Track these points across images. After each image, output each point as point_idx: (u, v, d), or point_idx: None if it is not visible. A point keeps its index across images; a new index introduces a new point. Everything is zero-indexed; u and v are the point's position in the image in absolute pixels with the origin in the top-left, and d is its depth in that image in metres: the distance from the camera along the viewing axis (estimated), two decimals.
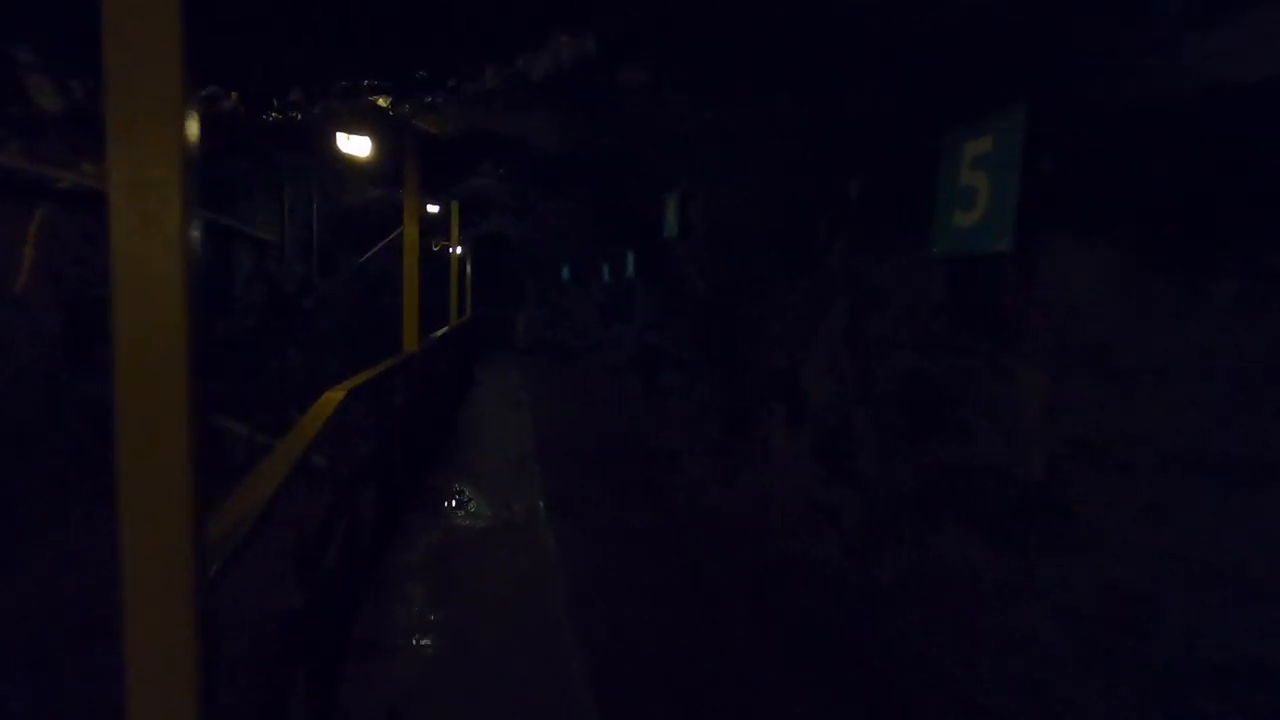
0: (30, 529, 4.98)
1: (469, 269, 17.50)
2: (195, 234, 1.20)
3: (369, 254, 10.67)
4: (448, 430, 8.56)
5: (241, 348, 9.02)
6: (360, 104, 4.18)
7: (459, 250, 14.34)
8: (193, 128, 1.17)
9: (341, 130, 4.70)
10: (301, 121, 4.45)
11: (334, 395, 3.93)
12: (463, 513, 5.67)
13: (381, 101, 4.26)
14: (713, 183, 5.37)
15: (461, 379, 12.21)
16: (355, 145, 4.99)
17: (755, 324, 5.38)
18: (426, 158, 6.76)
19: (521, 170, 8.13)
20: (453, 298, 12.29)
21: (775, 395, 4.86)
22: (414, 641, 3.69)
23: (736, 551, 4.72)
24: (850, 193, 4.00)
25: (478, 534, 5.24)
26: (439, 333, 9.51)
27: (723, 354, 6.48)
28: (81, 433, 5.98)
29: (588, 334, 15.97)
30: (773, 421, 4.91)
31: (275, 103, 4.09)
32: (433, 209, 10.41)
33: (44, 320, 5.56)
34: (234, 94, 3.96)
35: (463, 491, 6.26)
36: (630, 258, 10.80)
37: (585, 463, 7.36)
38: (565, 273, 18.02)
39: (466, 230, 14.77)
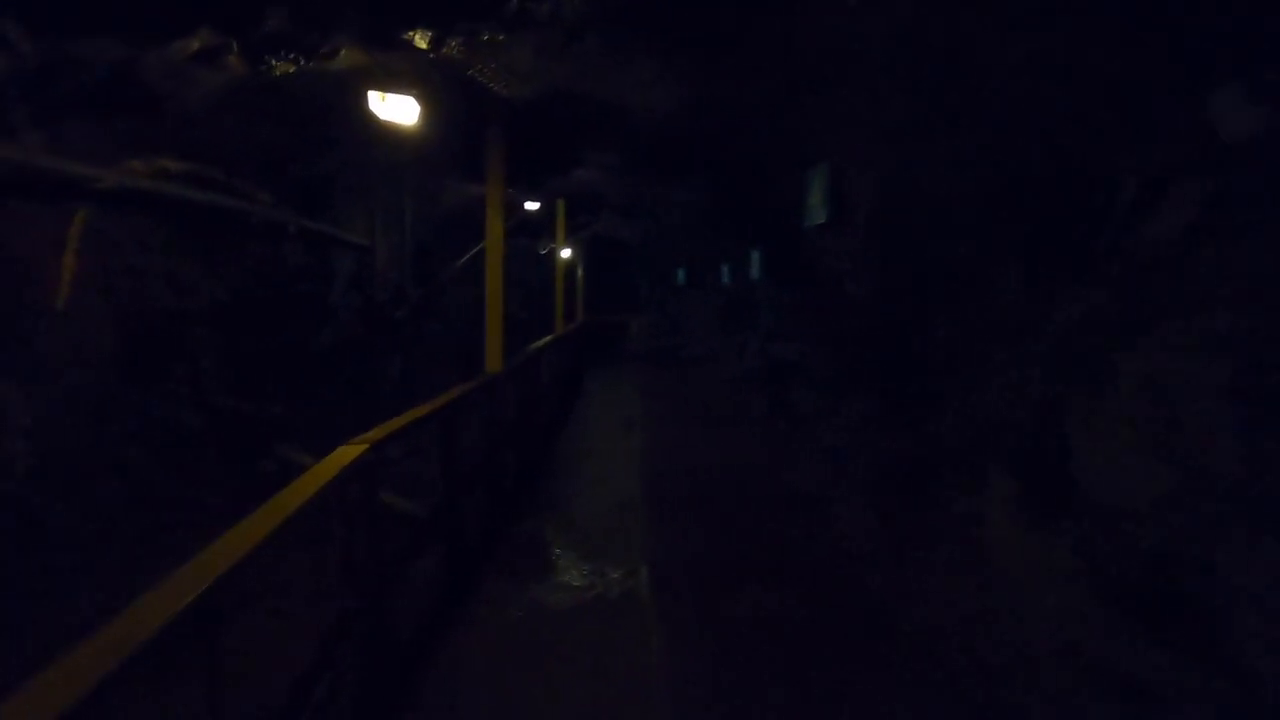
0: (58, 584, 4.29)
1: (580, 273, 16.64)
2: None
3: (465, 258, 9.90)
4: (545, 458, 7.46)
5: (336, 360, 8.42)
6: (391, 50, 3.07)
7: (567, 253, 13.44)
8: None
9: (378, 88, 3.65)
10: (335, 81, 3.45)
11: (348, 451, 2.80)
12: (545, 584, 4.44)
13: (419, 40, 3.14)
14: (888, 147, 3.82)
15: (567, 392, 11.21)
16: (397, 109, 3.90)
17: (958, 344, 3.75)
18: (514, 138, 5.65)
19: (630, 154, 6.93)
20: (558, 304, 11.32)
21: (997, 456, 3.24)
22: None
23: (936, 701, 3.14)
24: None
25: (562, 618, 3.98)
26: (539, 344, 8.47)
27: (888, 377, 4.86)
28: (135, 464, 5.35)
29: (705, 342, 14.56)
30: (990, 497, 3.28)
31: (281, 52, 3.10)
32: (532, 206, 9.46)
33: (95, 337, 4.93)
34: (235, 44, 3.03)
35: (551, 548, 5.05)
36: (755, 256, 9.30)
37: (702, 504, 5.96)
38: (681, 275, 16.74)
39: (575, 232, 13.85)
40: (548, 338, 9.58)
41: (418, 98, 3.80)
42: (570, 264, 14.76)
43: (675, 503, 6.02)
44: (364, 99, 4.27)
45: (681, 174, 8.10)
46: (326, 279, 8.41)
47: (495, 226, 5.62)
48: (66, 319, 4.72)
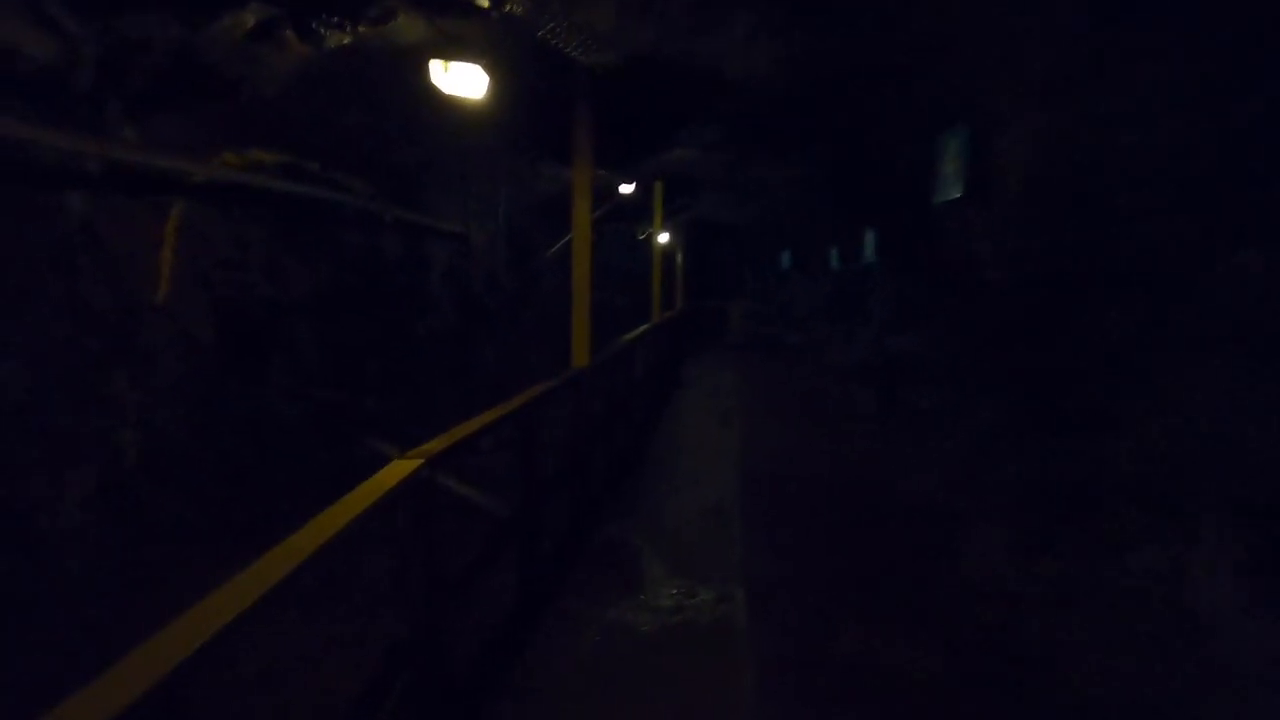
0: (160, 575, 4.37)
1: (679, 259, 16.15)
2: None
3: (559, 244, 9.66)
4: (636, 455, 7.09)
5: (432, 351, 8.42)
6: (448, 10, 2.70)
7: (665, 238, 12.98)
8: None
9: (441, 57, 3.32)
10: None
11: (400, 467, 2.49)
12: (628, 603, 4.04)
13: None
14: (1052, 99, 3.07)
15: (663, 383, 10.81)
16: (462, 80, 3.55)
17: (1149, 346, 2.96)
18: (602, 114, 5.23)
19: (730, 129, 6.35)
20: (655, 292, 10.90)
21: (1211, 498, 2.47)
22: None
23: None
24: None
25: (644, 646, 3.57)
26: (633, 334, 8.09)
27: (1035, 380, 4.06)
28: (236, 453, 5.43)
29: (810, 330, 13.70)
30: (1199, 551, 2.52)
31: (325, 16, 2.83)
32: (627, 189, 9.05)
33: (195, 332, 5.00)
34: (282, 12, 2.78)
35: (637, 559, 4.65)
36: (869, 237, 8.45)
37: (807, 514, 5.37)
38: (785, 259, 15.87)
39: (673, 216, 13.36)
40: (643, 327, 9.19)
41: (488, 68, 3.46)
42: (668, 249, 14.29)
43: (776, 511, 5.46)
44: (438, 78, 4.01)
45: (787, 149, 7.42)
46: (422, 268, 8.40)
47: (583, 211, 5.24)
48: (167, 312, 4.79)
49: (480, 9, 3.03)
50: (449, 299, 8.71)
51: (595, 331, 7.72)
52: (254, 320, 5.61)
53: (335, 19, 3.14)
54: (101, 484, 4.48)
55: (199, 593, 1.58)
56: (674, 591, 4.18)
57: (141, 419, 4.78)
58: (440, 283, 8.55)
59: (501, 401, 3.86)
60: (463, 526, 5.68)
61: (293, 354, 6.30)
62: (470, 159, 7.95)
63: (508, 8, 3.11)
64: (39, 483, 4.09)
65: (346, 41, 3.61)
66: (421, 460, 2.52)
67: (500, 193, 8.38)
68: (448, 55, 3.24)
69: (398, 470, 2.44)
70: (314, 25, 3.30)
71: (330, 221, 6.54)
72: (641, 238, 13.70)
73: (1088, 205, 3.12)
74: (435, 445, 2.73)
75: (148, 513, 4.75)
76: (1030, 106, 3.29)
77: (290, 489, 5.86)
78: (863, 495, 5.77)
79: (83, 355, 4.29)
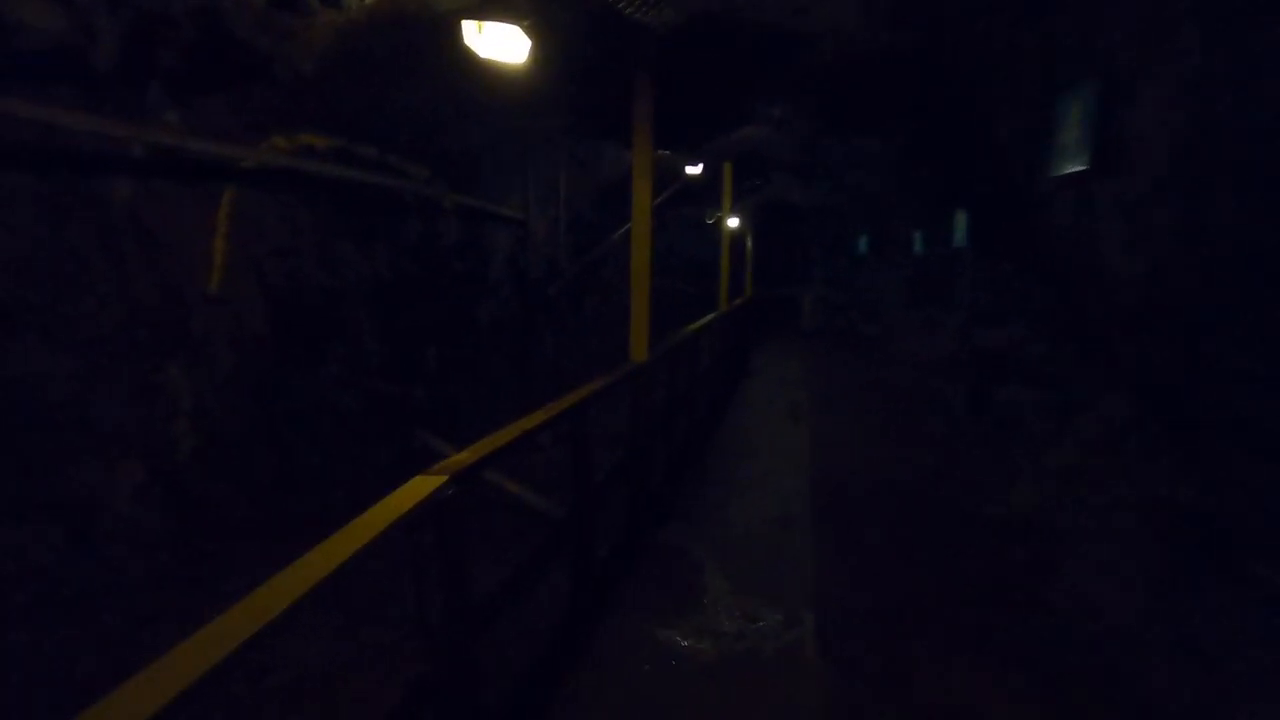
0: (200, 575, 4.31)
1: (748, 243, 15.52)
2: None
3: (622, 230, 9.29)
4: (699, 454, 6.69)
5: (492, 339, 8.25)
6: None
7: (735, 222, 12.43)
8: None
9: (479, 18, 2.98)
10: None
11: (422, 484, 2.19)
12: (685, 623, 3.67)
13: None
14: (1221, 45, 2.44)
15: (730, 375, 10.33)
16: (500, 42, 3.19)
17: None
18: (666, 89, 4.81)
19: (805, 101, 5.80)
20: (722, 278, 10.40)
21: None
22: None
23: None
24: None
25: (700, 678, 3.20)
26: (698, 324, 7.67)
27: (1168, 389, 3.42)
28: (291, 444, 5.36)
29: (888, 319, 12.89)
30: None
31: None
32: (694, 171, 8.57)
33: (248, 321, 4.92)
34: None
35: (697, 572, 4.27)
36: (960, 219, 7.69)
37: (886, 526, 4.85)
38: (862, 244, 15.01)
39: (742, 199, 12.76)
40: (709, 316, 8.74)
41: (531, 30, 3.09)
42: (737, 234, 13.71)
43: (850, 524, 4.96)
44: (501, 65, 3.69)
45: (868, 123, 6.79)
46: (482, 255, 8.22)
47: (643, 194, 4.84)
48: (219, 302, 4.70)
49: None
50: (509, 286, 8.51)
51: (660, 320, 7.34)
52: (309, 309, 5.51)
53: None
54: (155, 476, 4.44)
55: (245, 589, 1.52)
56: (737, 613, 3.79)
57: (195, 410, 4.73)
58: (500, 270, 8.35)
59: (561, 391, 3.56)
60: (517, 527, 5.46)
61: (349, 343, 6.21)
62: (529, 142, 7.68)
63: None
64: (92, 475, 4.06)
65: (369, 1, 3.35)
66: (445, 478, 2.22)
67: (561, 177, 8.08)
68: (486, 17, 2.91)
69: (417, 489, 2.14)
70: None
71: (387, 207, 6.39)
72: (709, 222, 13.17)
73: (1257, 177, 2.49)
74: (464, 458, 2.42)
75: (201, 505, 4.72)
76: (1183, 53, 2.65)
77: (346, 481, 5.78)
78: (949, 509, 5.18)
79: (134, 346, 4.24)
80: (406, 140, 6.39)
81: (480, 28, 2.94)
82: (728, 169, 9.71)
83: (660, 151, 8.25)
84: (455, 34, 3.53)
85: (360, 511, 1.99)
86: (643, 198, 4.85)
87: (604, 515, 4.33)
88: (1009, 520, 4.84)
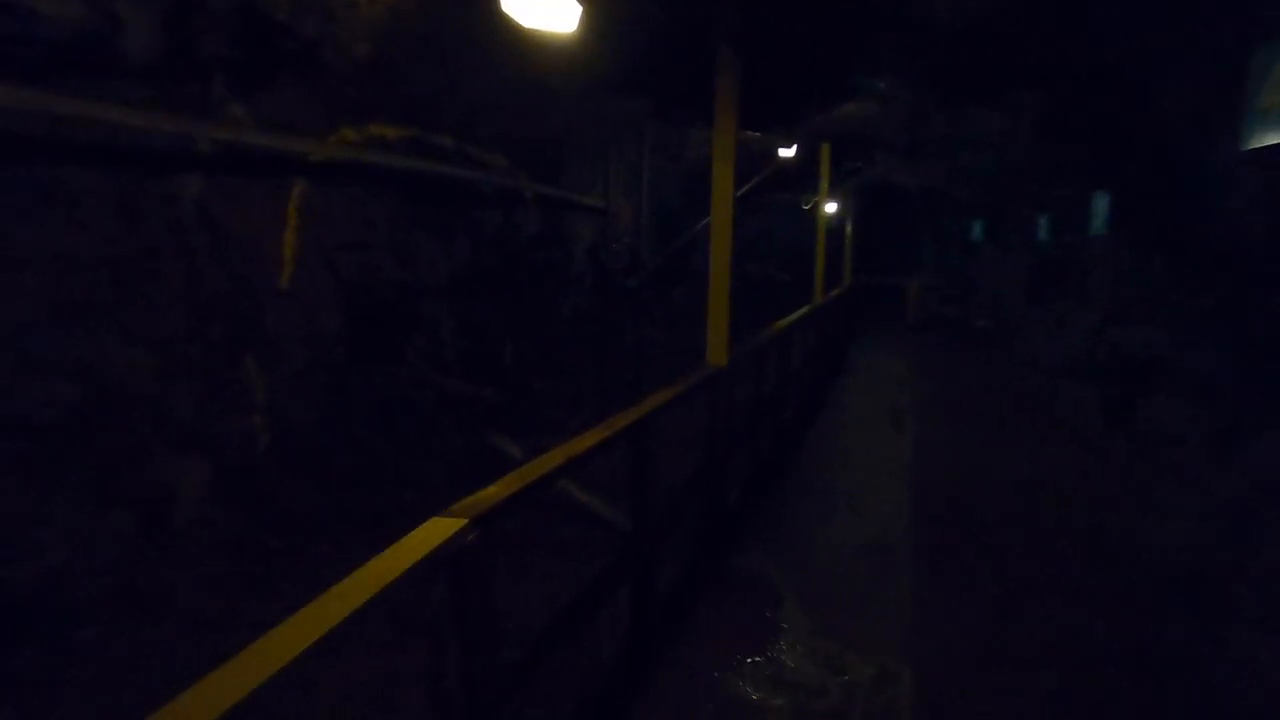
0: (267, 573, 4.28)
1: (848, 229, 14.57)
2: None
3: (709, 219, 8.78)
4: (786, 462, 6.16)
5: (572, 333, 8.04)
6: None
7: (833, 207, 11.62)
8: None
9: None
10: None
11: (438, 529, 1.88)
12: (756, 670, 3.23)
13: None
14: None
15: (826, 371, 9.65)
16: (545, 9, 2.80)
17: None
18: (754, 62, 4.30)
19: (916, 71, 5.09)
20: (818, 267, 9.70)
21: None
22: None
23: None
24: None
25: None
26: (789, 320, 7.10)
27: None
28: (366, 444, 5.30)
29: (1004, 313, 11.70)
30: None
31: None
32: (787, 153, 7.94)
33: (322, 317, 4.87)
34: None
35: (773, 606, 3.80)
36: (1099, 203, 6.68)
37: (1002, 562, 4.19)
38: (976, 230, 13.74)
39: (843, 182, 11.90)
40: (802, 310, 8.13)
41: None
42: (836, 220, 12.84)
43: (961, 553, 4.33)
44: (575, 43, 3.35)
45: (989, 92, 5.95)
46: (563, 246, 7.98)
47: (724, 180, 4.37)
48: (292, 297, 4.66)
49: None
50: (590, 278, 8.24)
51: (754, 310, 6.82)
52: (382, 304, 5.42)
53: None
54: (228, 473, 4.46)
55: (306, 593, 1.49)
56: (818, 659, 3.31)
57: (269, 406, 4.73)
58: (581, 261, 8.09)
59: (643, 388, 3.23)
60: (586, 535, 5.18)
61: (425, 338, 6.12)
62: (611, 128, 7.33)
63: None
64: (165, 470, 4.10)
65: None
66: (464, 521, 1.89)
67: (644, 163, 7.70)
68: None
69: (430, 535, 1.83)
70: None
71: (464, 198, 6.23)
72: (806, 208, 12.41)
73: None
74: (491, 494, 2.09)
75: (273, 503, 4.72)
76: None
77: (418, 480, 5.70)
78: (1082, 546, 4.42)
79: (207, 342, 4.24)
80: (484, 129, 6.20)
81: None
82: (825, 150, 8.97)
83: (750, 133, 7.69)
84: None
85: (434, 509, 1.92)
86: (723, 184, 4.38)
87: (676, 531, 3.96)
88: (1162, 567, 4.05)
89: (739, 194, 8.52)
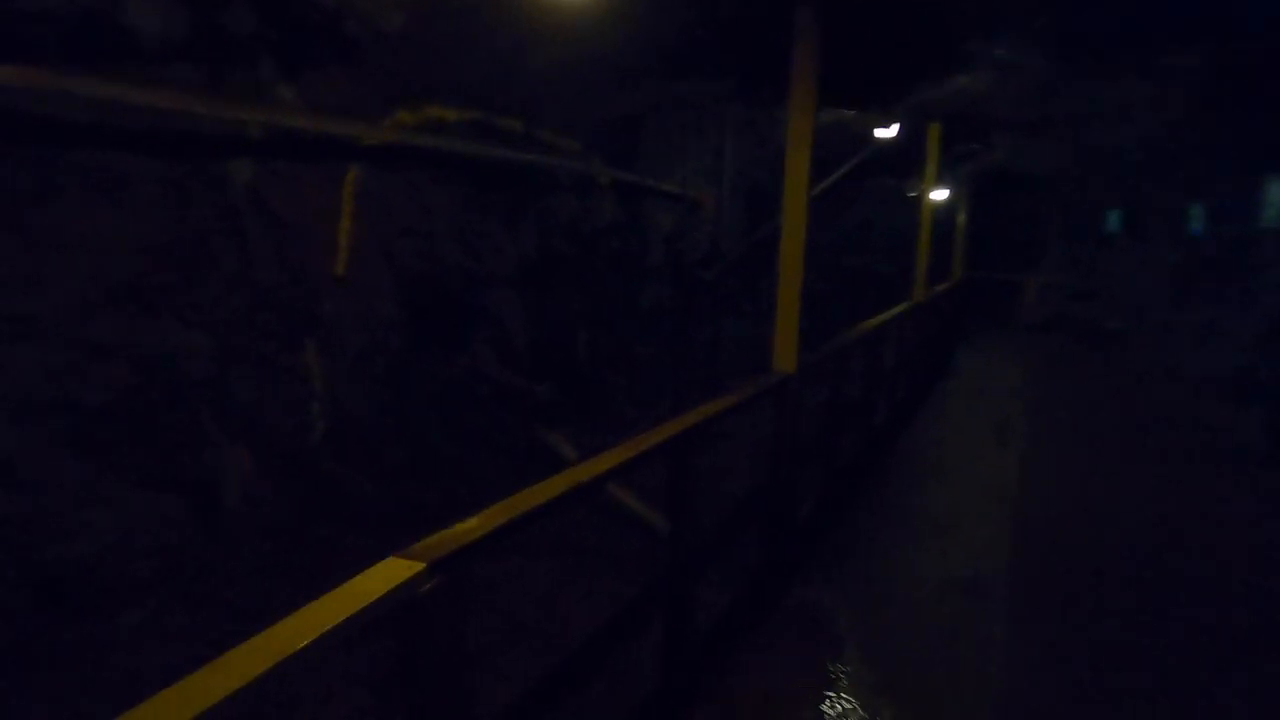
0: (310, 561, 4.24)
1: (960, 218, 13.34)
2: None
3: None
4: (868, 476, 5.55)
5: (647, 326, 7.71)
6: None
7: (942, 194, 10.62)
8: None
9: None
10: None
11: (389, 572, 1.59)
12: None
13: None
14: None
15: (925, 375, 8.81)
16: None
17: None
18: (845, 23, 3.76)
19: (1043, 29, 4.30)
20: (920, 261, 8.84)
21: None
22: None
23: None
24: None
25: None
26: (880, 319, 6.45)
27: None
28: (423, 435, 5.21)
29: (1144, 315, 10.28)
30: None
31: None
32: (887, 133, 7.18)
33: (379, 304, 4.78)
34: None
35: (838, 649, 3.32)
36: (1273, 187, 5.57)
37: (1126, 622, 3.49)
38: (1112, 220, 12.21)
39: (953, 167, 10.83)
40: (899, 307, 7.40)
41: None
42: (945, 208, 11.75)
43: (1071, 603, 3.65)
44: (649, 17, 2.99)
45: (1132, 57, 5.02)
46: (641, 234, 7.64)
47: (798, 168, 3.86)
48: (349, 285, 4.59)
49: None
50: (669, 268, 7.86)
51: (849, 307, 6.22)
52: (444, 293, 5.29)
53: None
54: (283, 458, 4.46)
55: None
56: None
57: (326, 393, 4.70)
58: (659, 250, 7.72)
59: (714, 387, 2.86)
60: (642, 545, 4.86)
61: (491, 328, 5.97)
62: (692, 110, 6.89)
63: None
64: (220, 454, 4.12)
65: None
66: (421, 566, 1.59)
67: (727, 147, 7.20)
68: None
69: (379, 580, 1.54)
70: None
71: (533, 184, 6.01)
72: (912, 195, 11.40)
73: None
74: (465, 531, 1.78)
75: (326, 490, 4.69)
76: None
77: (475, 473, 5.58)
78: (1238, 620, 3.61)
79: (261, 329, 4.22)
80: (555, 112, 5.94)
81: None
82: (934, 131, 8.10)
83: (845, 112, 7.00)
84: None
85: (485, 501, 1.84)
86: (798, 173, 3.88)
87: (728, 555, 3.55)
88: None
89: (831, 180, 7.86)
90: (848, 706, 2.92)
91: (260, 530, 4.25)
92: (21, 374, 3.29)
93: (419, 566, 1.61)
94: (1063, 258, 14.00)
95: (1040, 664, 3.17)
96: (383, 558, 1.70)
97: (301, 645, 1.34)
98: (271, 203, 3.92)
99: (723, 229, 7.51)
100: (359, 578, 1.58)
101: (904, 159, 8.95)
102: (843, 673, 3.14)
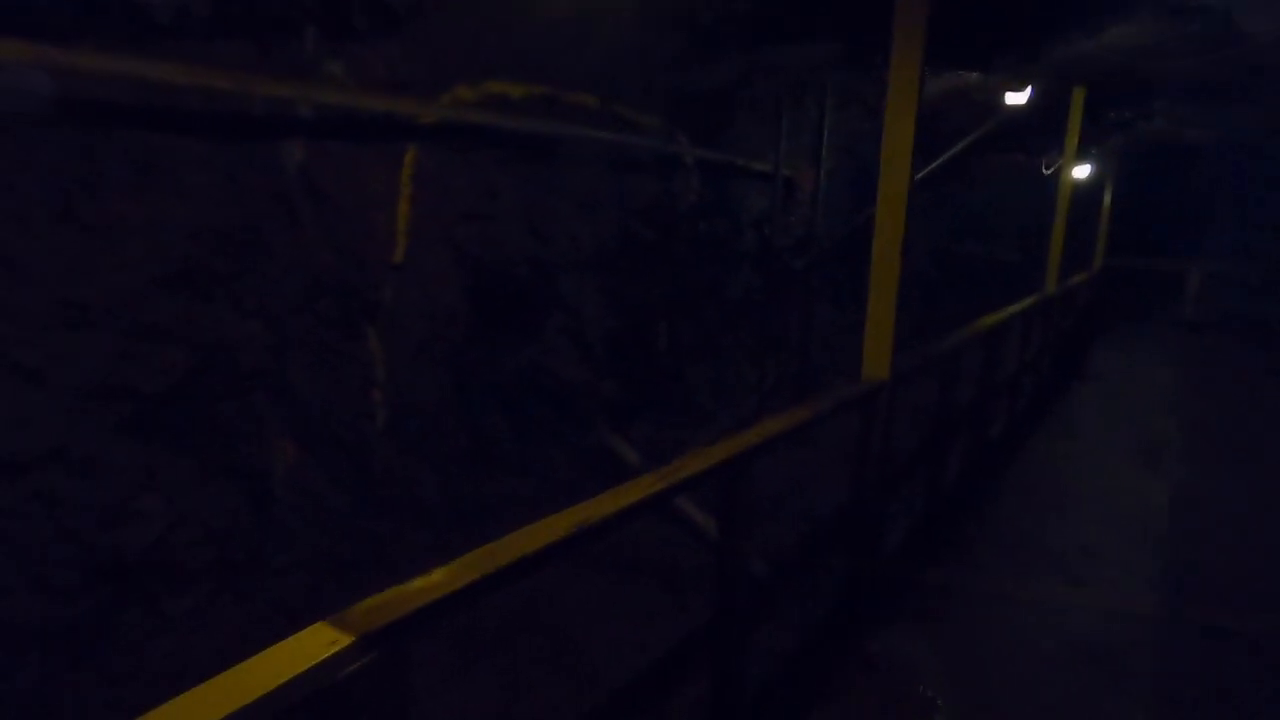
0: (356, 559, 4.11)
1: (1106, 198, 11.71)
2: None
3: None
4: (978, 497, 4.80)
5: (736, 319, 7.19)
6: None
7: (1085, 170, 9.31)
8: None
9: None
10: None
11: (309, 645, 1.25)
12: None
13: None
14: None
15: (1055, 377, 7.73)
16: None
17: None
18: None
19: None
20: (1054, 249, 7.73)
21: None
22: None
23: None
24: None
25: None
26: (1003, 314, 5.61)
27: None
28: (488, 426, 5.01)
29: None
30: None
31: None
32: (1017, 99, 6.20)
33: (442, 292, 4.59)
34: None
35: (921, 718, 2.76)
36: None
37: None
38: None
39: (1103, 138, 9.41)
40: (1027, 301, 6.45)
41: None
42: (1086, 187, 10.29)
43: (1235, 687, 2.87)
44: None
45: None
46: (731, 217, 7.10)
47: (900, 138, 3.21)
48: (409, 271, 4.41)
49: None
50: (757, 253, 7.28)
51: (971, 297, 5.51)
52: (511, 279, 5.04)
53: None
54: (342, 448, 4.37)
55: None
56: None
57: (387, 383, 4.57)
58: (751, 235, 7.16)
59: (805, 384, 2.41)
60: (707, 560, 4.42)
61: (564, 317, 5.68)
62: (788, 79, 6.23)
63: None
64: (278, 445, 4.06)
65: None
66: (350, 639, 1.25)
67: (829, 120, 6.48)
68: None
69: (297, 653, 1.21)
70: None
71: (609, 163, 5.63)
72: (1047, 172, 10.05)
73: None
74: (414, 592, 1.42)
75: (385, 483, 4.58)
76: None
77: (540, 470, 5.33)
78: None
79: (320, 315, 4.11)
80: (635, 86, 5.51)
81: None
82: (1077, 97, 6.96)
83: (965, 75, 6.08)
84: None
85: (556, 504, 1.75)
86: (899, 144, 3.24)
87: (799, 591, 3.06)
88: None
89: (947, 156, 6.94)
90: None
91: (314, 522, 4.18)
92: (78, 360, 3.30)
93: (345, 640, 1.27)
94: (1236, 241, 11.98)
95: None
96: (438, 554, 1.55)
97: None
98: (325, 186, 3.77)
99: (822, 211, 6.81)
100: (273, 649, 1.27)
101: (1038, 131, 7.78)
102: None
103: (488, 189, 4.61)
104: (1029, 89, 5.92)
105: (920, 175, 7.95)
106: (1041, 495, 4.92)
